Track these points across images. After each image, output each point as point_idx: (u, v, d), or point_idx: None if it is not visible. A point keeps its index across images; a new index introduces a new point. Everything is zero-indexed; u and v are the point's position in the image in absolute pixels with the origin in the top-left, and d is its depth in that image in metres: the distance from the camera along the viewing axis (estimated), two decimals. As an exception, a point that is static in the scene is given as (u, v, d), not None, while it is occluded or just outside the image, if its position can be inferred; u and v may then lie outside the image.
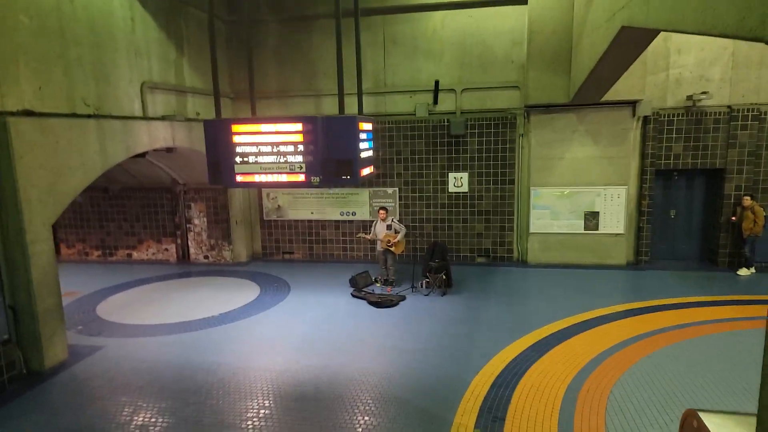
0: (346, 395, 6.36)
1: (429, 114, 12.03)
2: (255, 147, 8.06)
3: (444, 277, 10.06)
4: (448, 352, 7.54)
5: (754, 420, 3.47)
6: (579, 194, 11.66)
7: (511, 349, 7.57)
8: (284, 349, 7.75)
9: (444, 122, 11.94)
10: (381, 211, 10.54)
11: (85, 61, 8.03)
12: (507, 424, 5.64)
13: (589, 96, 10.59)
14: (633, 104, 11.12)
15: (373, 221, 11.85)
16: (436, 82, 11.64)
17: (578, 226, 11.77)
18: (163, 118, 9.84)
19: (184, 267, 12.65)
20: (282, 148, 7.99)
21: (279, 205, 12.94)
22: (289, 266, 12.48)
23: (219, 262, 12.90)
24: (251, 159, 8.10)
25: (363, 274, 10.76)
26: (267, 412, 6.03)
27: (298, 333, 8.37)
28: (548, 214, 11.85)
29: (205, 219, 12.80)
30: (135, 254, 13.25)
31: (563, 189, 11.70)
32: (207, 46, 9.15)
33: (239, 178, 8.21)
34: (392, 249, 10.42)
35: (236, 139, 8.09)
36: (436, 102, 11.87)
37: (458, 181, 12.12)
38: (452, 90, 11.88)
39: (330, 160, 8.17)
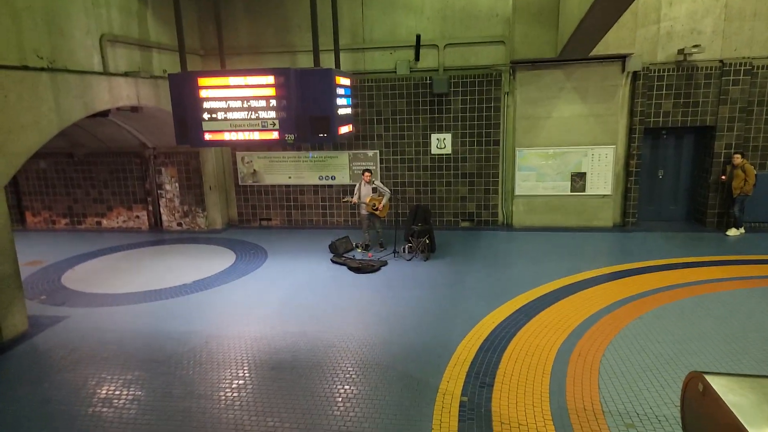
0: (325, 363, 6.03)
1: (410, 71, 11.46)
2: (224, 102, 7.50)
3: (427, 241, 9.71)
4: (432, 316, 7.24)
5: (766, 382, 3.20)
6: (566, 154, 11.32)
7: (498, 313, 7.29)
8: (260, 317, 7.36)
9: (426, 80, 11.39)
10: (365, 173, 10.07)
11: (36, 8, 7.28)
12: (495, 389, 5.37)
13: (578, 50, 10.12)
14: (623, 59, 10.69)
15: (353, 185, 11.41)
16: (418, 37, 11.04)
17: (565, 187, 11.47)
18: (126, 74, 9.13)
19: (157, 235, 12.10)
20: (253, 103, 7.45)
21: (255, 170, 12.38)
22: (266, 233, 12.02)
23: (193, 230, 12.37)
24: (220, 115, 7.55)
25: (343, 240, 10.36)
26: (241, 381, 5.67)
27: (275, 300, 7.99)
28: (534, 175, 11.51)
29: (177, 185, 12.19)
30: (104, 222, 12.64)
31: (549, 150, 11.33)
32: (170, -6, 8.43)
33: (207, 137, 7.67)
34: (377, 213, 10.02)
35: (203, 93, 7.51)
36: (417, 58, 11.28)
37: (441, 143, 11.67)
38: (434, 45, 11.30)
39: (305, 117, 7.66)
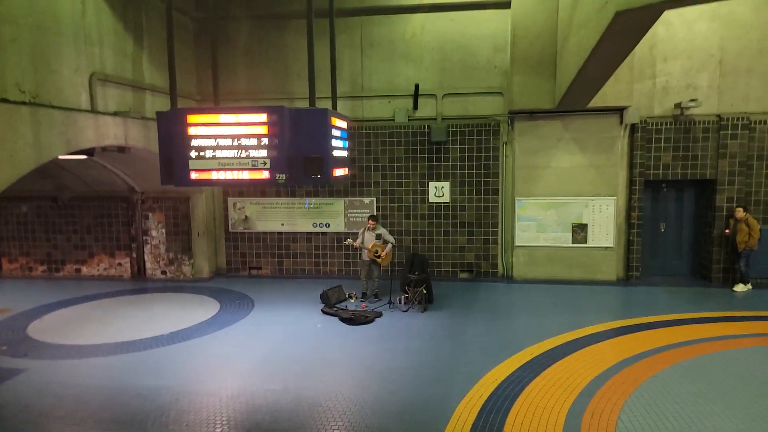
0: (309, 425, 5.37)
1: (408, 120, 11.33)
2: (213, 140, 7.17)
3: (424, 291, 9.19)
4: (429, 372, 6.62)
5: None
6: (566, 205, 11.01)
7: (501, 369, 6.69)
8: (239, 372, 6.72)
9: (424, 128, 11.24)
10: (370, 221, 9.69)
11: (23, 43, 7.08)
12: (500, 456, 4.73)
13: (576, 101, 10.04)
14: (620, 111, 10.60)
15: (349, 233, 10.98)
16: (416, 86, 10.98)
17: (566, 239, 11.08)
18: (115, 114, 8.89)
19: (138, 283, 11.50)
20: (244, 141, 7.12)
21: (246, 216, 11.97)
22: (255, 282, 11.44)
23: (178, 278, 11.78)
24: (208, 153, 7.20)
25: (335, 289, 9.81)
26: (212, 445, 5.00)
27: (257, 353, 7.35)
28: (534, 226, 11.15)
29: (163, 230, 11.73)
30: (84, 269, 12.05)
31: (549, 200, 11.03)
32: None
33: (194, 175, 7.28)
34: (379, 260, 9.55)
35: (192, 131, 7.19)
36: (416, 107, 11.18)
37: (439, 191, 11.37)
38: (433, 95, 11.23)
39: (298, 157, 7.33)
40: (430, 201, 11.43)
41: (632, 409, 5.55)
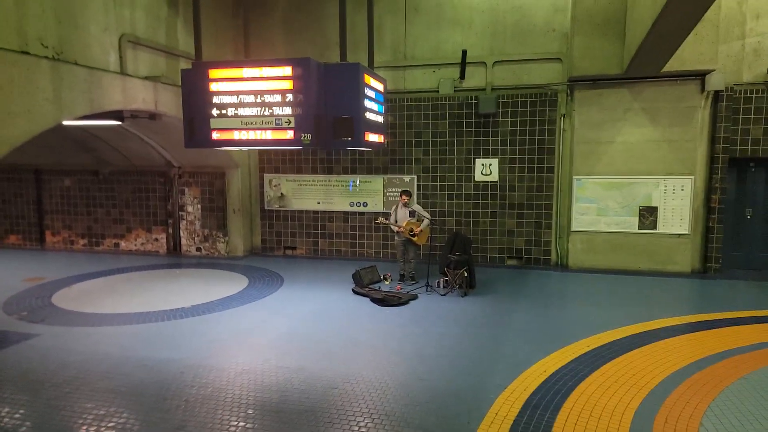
0: (321, 408, 4.64)
1: (454, 90, 10.40)
2: (235, 96, 6.61)
3: (465, 274, 8.27)
4: (466, 359, 5.74)
5: None
6: (633, 185, 9.74)
7: (551, 360, 5.71)
8: (254, 347, 6.09)
9: (471, 99, 10.28)
10: (403, 196, 8.91)
11: (45, -4, 6.77)
12: (546, 461, 3.81)
13: (648, 65, 8.78)
14: (701, 77, 9.22)
15: (387, 213, 10.20)
16: (464, 53, 10.02)
17: (631, 223, 9.81)
18: (145, 78, 8.52)
19: (173, 259, 11.21)
20: (267, 98, 6.52)
21: (282, 193, 11.44)
22: (289, 262, 10.89)
23: (212, 256, 11.42)
24: (230, 111, 6.64)
25: (369, 269, 9.06)
26: (203, 420, 4.36)
27: (277, 330, 6.72)
28: (594, 209, 9.94)
29: (199, 206, 11.40)
30: (123, 244, 11.93)
31: (613, 179, 9.80)
32: (206, 9, 7.85)
33: (215, 135, 6.75)
34: (414, 239, 8.75)
35: (213, 86, 6.66)
36: (462, 77, 10.24)
37: (487, 169, 10.38)
38: (482, 63, 10.25)
39: (327, 118, 6.65)
40: (476, 180, 10.46)
41: (718, 416, 4.46)
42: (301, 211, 11.42)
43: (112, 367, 5.50)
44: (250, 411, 4.59)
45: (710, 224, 9.57)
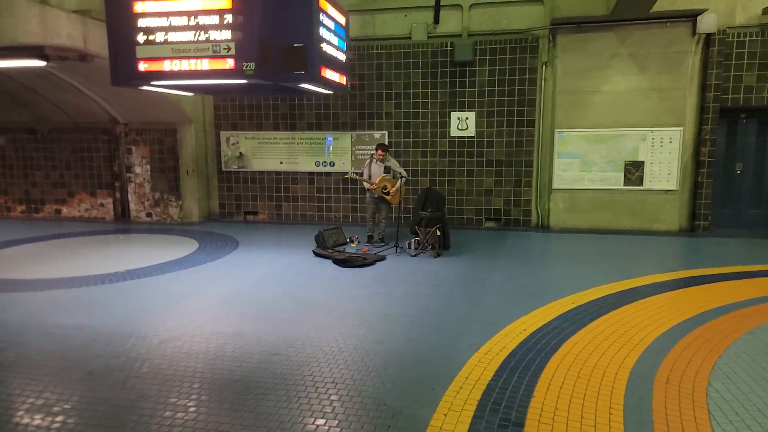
0: (255, 376, 3.82)
1: (428, 37, 9.48)
2: (165, 18, 5.59)
3: (438, 233, 7.48)
4: (433, 319, 4.98)
5: None
6: (618, 138, 9.02)
7: (531, 318, 4.98)
8: (187, 312, 5.23)
9: (446, 47, 9.38)
10: (378, 150, 8.02)
11: None
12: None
13: (636, 5, 8.02)
14: (693, 18, 8.48)
15: (357, 171, 9.29)
16: (437, -6, 9.10)
17: (617, 179, 9.12)
18: (73, 12, 7.41)
19: (120, 225, 10.20)
20: (203, 20, 5.53)
21: (241, 153, 10.46)
22: (249, 227, 9.97)
23: (164, 221, 10.43)
24: (159, 36, 5.63)
25: (333, 230, 8.22)
26: (103, 395, 3.51)
27: (220, 293, 5.85)
28: (577, 164, 9.22)
29: (148, 167, 10.35)
30: (65, 210, 10.84)
31: (597, 132, 9.06)
32: None
33: (142, 66, 5.74)
34: (388, 197, 7.92)
35: (138, 6, 5.62)
36: (436, 21, 9.31)
37: (463, 123, 9.55)
38: (458, 6, 9.33)
39: (274, 45, 5.71)
40: (452, 135, 9.63)
41: (728, 374, 3.77)
42: (262, 172, 10.47)
43: (8, 336, 4.58)
44: (167, 382, 3.74)
45: (699, 179, 8.93)
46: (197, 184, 10.40)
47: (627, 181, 9.08)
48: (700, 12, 8.33)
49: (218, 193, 10.71)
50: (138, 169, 10.40)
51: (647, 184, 9.00)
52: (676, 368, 3.85)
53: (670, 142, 8.85)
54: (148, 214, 10.52)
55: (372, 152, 8.26)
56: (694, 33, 8.54)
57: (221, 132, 10.45)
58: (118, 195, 10.60)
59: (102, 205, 10.67)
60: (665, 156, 8.90)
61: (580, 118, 9.11)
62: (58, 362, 4.08)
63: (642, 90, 8.82)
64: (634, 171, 9.04)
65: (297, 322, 4.92)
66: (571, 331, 4.64)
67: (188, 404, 3.43)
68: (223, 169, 10.58)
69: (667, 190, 8.98)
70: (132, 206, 10.55)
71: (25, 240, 8.67)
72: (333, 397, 3.51)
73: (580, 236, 8.88)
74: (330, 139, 10.05)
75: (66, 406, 3.42)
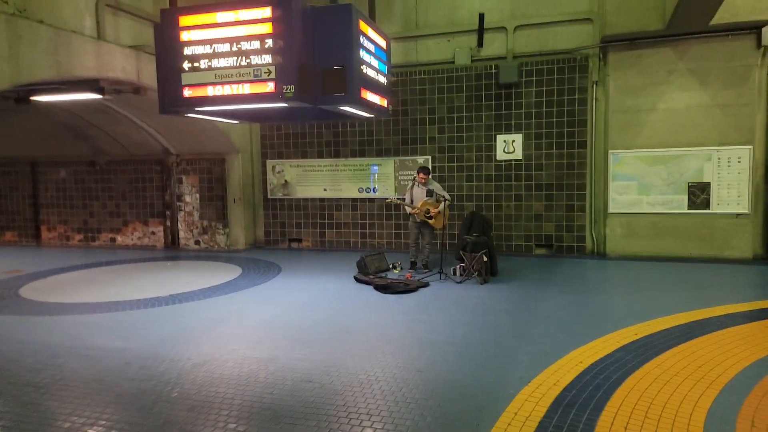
0: (286, 404, 3.59)
1: (472, 60, 9.33)
2: (208, 46, 5.69)
3: (485, 258, 7.11)
4: (479, 349, 4.61)
5: None
6: (680, 159, 8.43)
7: (589, 350, 4.52)
8: (223, 336, 5.09)
9: (491, 69, 9.18)
10: (420, 174, 7.85)
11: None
12: (585, 478, 2.66)
13: (694, 17, 7.60)
14: (757, 30, 7.90)
15: (400, 197, 9.07)
16: (481, 17, 8.93)
17: (680, 203, 8.48)
18: (129, 47, 7.76)
19: (169, 253, 10.39)
20: (244, 46, 5.58)
21: (286, 180, 10.52)
22: (294, 254, 9.91)
23: (212, 249, 10.55)
24: (203, 63, 5.72)
25: (376, 256, 8.01)
26: (127, 417, 3.36)
27: (257, 318, 5.72)
28: (635, 187, 8.66)
29: (197, 195, 10.58)
30: (119, 238, 11.19)
31: (656, 152, 8.51)
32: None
33: (187, 93, 5.82)
34: (431, 221, 7.68)
35: (184, 36, 5.76)
36: (480, 44, 9.16)
37: (509, 146, 9.23)
38: (502, 28, 9.15)
39: (313, 68, 5.69)
40: (498, 159, 9.32)
41: (827, 416, 3.21)
42: (306, 200, 10.47)
43: (46, 357, 4.58)
44: (195, 408, 3.57)
45: (775, 202, 8.17)
46: (244, 212, 10.51)
47: (691, 204, 8.42)
48: (765, 23, 7.77)
49: (264, 221, 10.77)
50: (188, 198, 10.64)
51: (715, 208, 8.31)
52: (762, 410, 3.32)
53: (739, 162, 8.18)
54: (197, 242, 10.69)
55: (414, 176, 8.07)
56: (759, 45, 7.95)
57: (267, 161, 10.58)
58: (168, 223, 10.86)
59: (153, 233, 10.95)
60: (734, 177, 8.21)
61: (635, 138, 8.60)
62: (90, 384, 4.01)
63: (704, 106, 8.25)
64: (699, 193, 8.38)
65: (333, 348, 4.68)
66: (634, 365, 4.15)
67: (214, 431, 3.24)
68: (269, 197, 10.66)
69: (738, 214, 8.25)
70: (181, 234, 10.76)
71: (77, 267, 8.92)
72: (367, 431, 3.22)
73: (640, 264, 8.25)
74: (375, 167, 9.97)
75: (90, 430, 3.29)
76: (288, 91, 5.50)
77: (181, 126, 9.66)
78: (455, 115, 9.46)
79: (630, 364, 4.17)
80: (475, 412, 3.44)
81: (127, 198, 11.05)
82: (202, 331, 5.25)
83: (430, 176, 8.02)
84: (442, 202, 7.70)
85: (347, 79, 5.72)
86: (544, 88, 8.96)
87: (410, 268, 7.94)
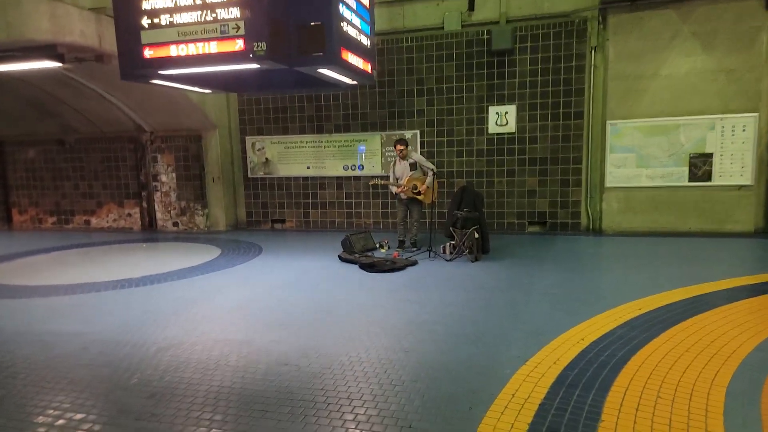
0: (258, 389, 3.18)
1: (462, 26, 8.82)
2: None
3: (477, 235, 6.71)
4: (471, 327, 4.22)
5: None
6: (682, 128, 8.03)
7: (590, 326, 4.14)
8: (194, 318, 4.66)
9: (483, 35, 8.69)
10: (397, 146, 7.40)
11: None
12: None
13: (698, -23, 7.11)
14: (765, -10, 7.48)
15: (386, 175, 8.60)
16: (472, -20, 8.45)
17: (680, 175, 8.11)
18: (89, 9, 7.17)
19: (147, 235, 9.88)
20: (210, -1, 5.05)
21: (267, 158, 10.02)
22: (277, 235, 9.46)
23: (191, 230, 10.06)
24: (164, 19, 5.19)
25: (362, 235, 7.59)
26: (81, 402, 2.94)
27: (232, 299, 5.28)
28: (633, 159, 8.27)
29: (174, 174, 10.05)
30: (94, 220, 10.66)
31: (657, 121, 8.11)
32: None
33: (148, 53, 5.28)
34: (420, 197, 7.25)
35: (143, -13, 5.22)
36: (471, 8, 8.65)
37: (502, 118, 8.78)
38: (494, -9, 8.65)
39: (287, 24, 5.18)
40: (490, 132, 8.87)
41: None
42: (289, 178, 9.98)
43: (0, 343, 4.13)
44: (155, 395, 3.14)
45: (779, 172, 7.82)
46: (223, 192, 10.01)
47: (692, 176, 8.05)
48: (774, -19, 7.34)
49: (245, 201, 10.28)
50: (164, 178, 10.11)
51: (717, 180, 7.94)
52: (792, 387, 2.96)
53: (744, 131, 7.80)
54: (175, 224, 10.19)
55: (394, 151, 7.62)
56: (767, 7, 7.53)
57: (247, 137, 10.05)
58: (144, 204, 10.34)
59: (129, 215, 10.42)
60: (738, 147, 7.84)
61: (635, 107, 8.18)
62: (40, 371, 3.57)
63: (708, 72, 7.83)
64: (700, 165, 8.01)
65: (313, 330, 4.26)
66: (641, 341, 3.78)
67: (173, 420, 2.81)
68: (250, 175, 10.15)
69: (741, 186, 7.90)
70: (159, 215, 10.24)
71: (46, 249, 8.42)
72: (347, 416, 2.82)
73: (638, 239, 7.89)
74: (362, 147, 9.48)
75: (37, 420, 2.86)
76: (259, 49, 4.98)
77: (153, 100, 9.10)
78: (445, 85, 8.97)
79: (636, 341, 3.80)
80: (468, 394, 3.04)
81: (100, 178, 10.50)
82: (171, 314, 4.80)
83: (409, 148, 7.56)
84: (429, 175, 7.27)
85: (326, 36, 5.23)
86: (539, 55, 8.49)
87: (398, 247, 7.52)
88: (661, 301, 4.77)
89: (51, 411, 3.00)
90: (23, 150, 10.80)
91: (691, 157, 8.02)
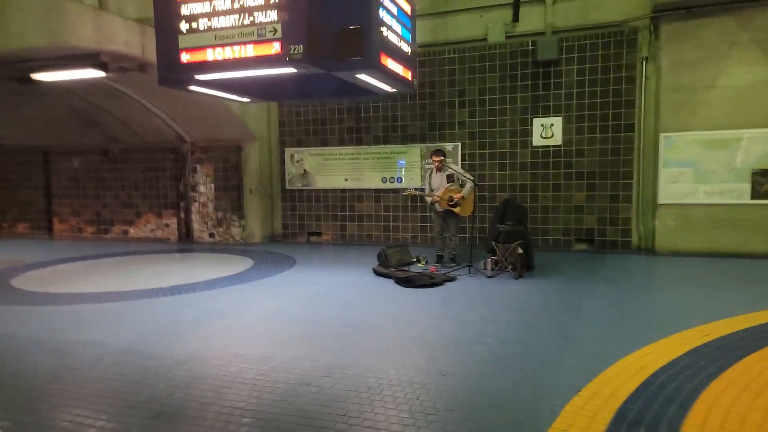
0: (272, 412, 2.90)
1: (506, 37, 8.52)
2: (208, 3, 5.09)
3: (520, 250, 6.30)
4: (515, 349, 3.83)
5: None
6: (743, 142, 7.43)
7: (651, 353, 3.69)
8: (217, 331, 4.45)
9: (527, 46, 8.36)
10: (433, 157, 7.14)
11: None
12: None
13: (763, -20, 6.61)
14: (839, -8, 6.89)
15: (418, 189, 8.32)
16: (516, -12, 8.16)
17: (742, 192, 7.47)
18: (134, 20, 7.27)
19: (183, 246, 9.87)
20: (247, 2, 4.96)
21: (305, 170, 9.90)
22: (312, 248, 9.27)
23: (227, 242, 10.00)
24: (202, 23, 5.13)
25: (398, 248, 7.29)
26: (80, 421, 2.73)
27: (259, 312, 5.06)
28: (690, 174, 7.69)
29: (212, 185, 10.06)
30: (132, 231, 10.77)
31: (715, 134, 7.53)
32: None
33: (185, 57, 5.24)
34: (456, 210, 6.94)
35: (181, -7, 5.18)
36: (516, 19, 8.33)
37: (547, 131, 8.38)
38: (540, 0, 8.33)
39: (325, 27, 5.03)
40: (535, 144, 8.47)
41: None
42: (326, 190, 9.82)
43: (9, 351, 4.02)
44: (161, 414, 2.91)
45: None
46: (260, 204, 9.93)
47: (756, 193, 7.41)
48: None
49: (281, 213, 10.17)
50: (202, 188, 10.13)
51: (784, 197, 7.29)
52: None
53: (814, 145, 7.14)
54: (211, 235, 10.16)
55: (431, 162, 7.32)
56: (839, 10, 6.93)
57: (286, 149, 9.98)
58: (182, 215, 10.37)
59: (167, 225, 10.48)
60: (807, 162, 7.18)
61: (691, 119, 7.64)
62: (46, 384, 3.40)
63: (772, 82, 7.25)
64: (764, 181, 7.37)
65: (341, 346, 3.98)
66: (712, 372, 3.32)
67: (178, 446, 2.57)
68: (287, 187, 10.05)
69: (812, 204, 7.21)
70: (195, 226, 10.25)
71: (80, 258, 8.47)
72: (373, 449, 2.50)
73: (696, 260, 7.29)
74: (402, 162, 9.25)
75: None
76: (296, 52, 4.83)
77: (196, 110, 9.17)
78: (487, 97, 8.66)
79: (706, 371, 3.33)
80: (513, 426, 2.68)
81: (140, 188, 10.62)
82: (194, 325, 4.62)
83: (447, 159, 7.24)
84: (468, 184, 6.93)
85: (365, 41, 5.05)
86: (587, 66, 8.09)
87: (436, 262, 7.18)
88: (730, 327, 4.25)
89: (36, 428, 2.81)
90: (68, 159, 11.08)
91: (753, 173, 7.39)
